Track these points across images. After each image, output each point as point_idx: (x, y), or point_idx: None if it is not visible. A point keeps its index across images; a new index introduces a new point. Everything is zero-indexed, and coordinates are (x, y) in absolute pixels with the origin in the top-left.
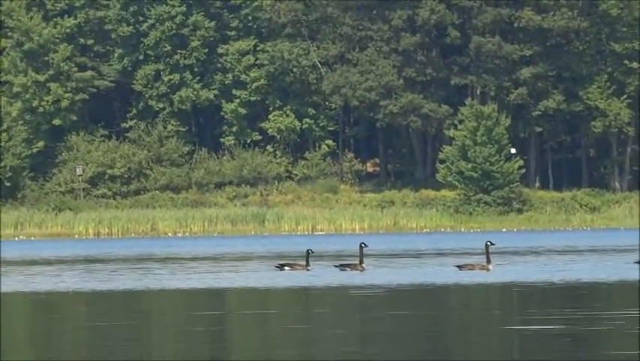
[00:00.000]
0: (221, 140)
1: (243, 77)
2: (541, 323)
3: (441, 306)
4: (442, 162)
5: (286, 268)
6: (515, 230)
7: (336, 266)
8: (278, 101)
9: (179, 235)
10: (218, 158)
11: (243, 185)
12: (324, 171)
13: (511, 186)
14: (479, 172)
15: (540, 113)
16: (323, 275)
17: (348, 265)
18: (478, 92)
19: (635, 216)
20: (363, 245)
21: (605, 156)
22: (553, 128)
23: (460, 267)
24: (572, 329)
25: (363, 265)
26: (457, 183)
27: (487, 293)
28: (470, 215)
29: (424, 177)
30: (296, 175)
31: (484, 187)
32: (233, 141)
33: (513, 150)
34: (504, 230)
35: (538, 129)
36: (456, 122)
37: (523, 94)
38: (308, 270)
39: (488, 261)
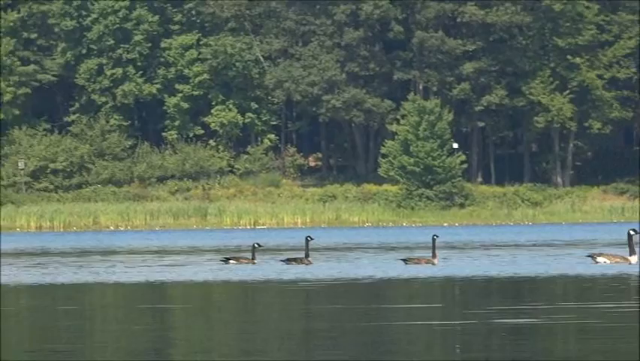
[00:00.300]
0: (164, 134)
1: (186, 71)
2: (484, 317)
3: (383, 300)
4: (384, 156)
5: (231, 261)
6: (457, 225)
7: (282, 260)
8: (220, 96)
9: (121, 228)
10: (160, 152)
11: (185, 179)
12: (266, 166)
13: (453, 180)
14: (421, 167)
15: (483, 108)
16: (269, 269)
17: (294, 259)
18: (420, 87)
19: (577, 211)
20: (309, 238)
21: (547, 151)
22: (496, 123)
23: (406, 261)
24: (514, 323)
25: (310, 258)
26: (399, 178)
27: (431, 287)
28: (412, 210)
29: (367, 171)
30: (238, 169)
31: (427, 182)
32: (175, 135)
33: (455, 145)
34: (446, 225)
35: (481, 124)
36: (398, 116)
37: (466, 89)
38: (254, 263)
39: (434, 255)
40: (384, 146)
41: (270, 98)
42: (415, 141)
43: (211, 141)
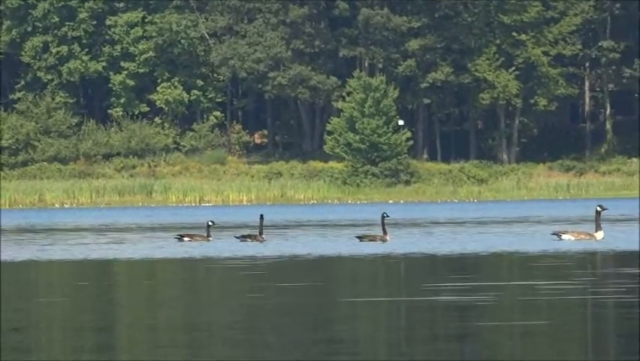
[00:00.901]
0: (110, 111)
1: (132, 49)
2: (431, 293)
3: (333, 277)
4: (329, 133)
5: (185, 238)
6: (402, 202)
7: (236, 237)
8: (166, 73)
9: (67, 206)
10: (106, 129)
11: (131, 156)
12: (211, 143)
13: (398, 157)
14: (367, 144)
15: (428, 85)
16: (223, 246)
17: (249, 236)
18: (366, 64)
19: (523, 188)
20: (262, 216)
21: (493, 128)
22: (442, 100)
23: (360, 238)
24: (460, 300)
25: (264, 236)
26: (344, 155)
27: (380, 264)
28: (358, 187)
29: (312, 148)
30: (184, 147)
31: (372, 159)
32: (121, 113)
33: (401, 122)
34: (391, 201)
35: (427, 101)
36: (344, 94)
37: (412, 66)
38: (209, 240)
39: (385, 232)
40: (329, 123)
41: (215, 75)
42: (361, 118)
43: (157, 119)
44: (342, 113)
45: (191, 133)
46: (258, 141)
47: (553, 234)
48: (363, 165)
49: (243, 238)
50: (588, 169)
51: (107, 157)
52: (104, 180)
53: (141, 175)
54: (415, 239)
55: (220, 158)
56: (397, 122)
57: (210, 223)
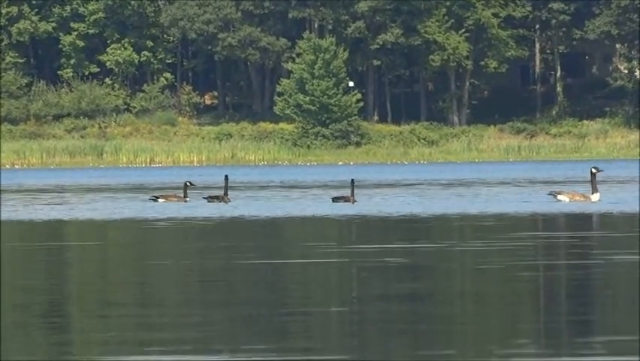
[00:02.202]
0: (60, 72)
1: (82, 9)
2: (381, 255)
3: (287, 237)
4: (279, 95)
5: (160, 200)
6: (352, 163)
7: (204, 198)
8: (116, 34)
9: (17, 167)
10: (56, 90)
11: (82, 117)
12: (162, 104)
13: (349, 119)
14: (317, 105)
15: (378, 46)
16: (197, 207)
17: (216, 197)
18: (316, 26)
19: (473, 150)
20: (227, 177)
21: (443, 90)
22: (392, 61)
23: (335, 199)
24: (411, 262)
25: (229, 196)
26: (295, 116)
27: (341, 225)
28: (308, 148)
29: (262, 110)
30: (134, 108)
31: (323, 120)
32: (71, 74)
33: (351, 84)
34: (340, 163)
35: (377, 63)
36: (294, 55)
37: (361, 27)
38: (186, 202)
39: (352, 194)
40: (279, 84)
41: (165, 36)
42: (311, 79)
43: (107, 80)
44: (292, 75)
45: (141, 94)
46: (208, 102)
47: (550, 194)
48: (313, 127)
49: (210, 198)
50: (539, 131)
51: (58, 118)
52: (55, 141)
53: (92, 136)
54: (383, 201)
55: (170, 119)
56: (347, 84)
57: (189, 184)
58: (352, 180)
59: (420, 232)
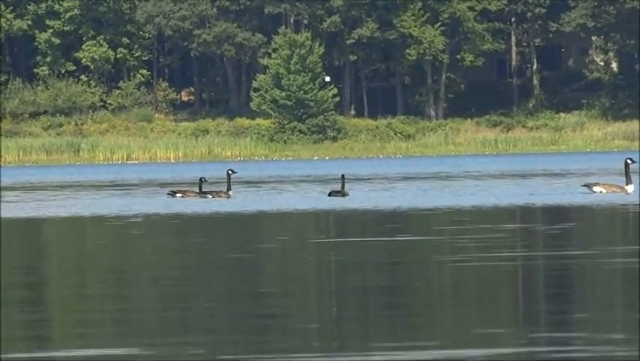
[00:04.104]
0: (36, 70)
1: (57, 6)
2: (359, 249)
3: (273, 232)
4: (256, 90)
5: (178, 195)
6: (327, 158)
7: (197, 193)
8: (91, 31)
9: None
10: (32, 88)
11: (58, 115)
12: (138, 101)
13: (325, 114)
14: (293, 100)
15: (354, 41)
16: (216, 202)
17: (215, 192)
18: (291, 21)
19: (450, 144)
20: (230, 172)
21: (420, 83)
22: (368, 56)
23: (332, 193)
24: (390, 257)
25: (230, 192)
26: (271, 112)
27: (328, 219)
28: (285, 143)
29: (239, 105)
30: (110, 105)
31: (299, 115)
32: (47, 71)
33: (327, 78)
34: (316, 158)
35: (353, 57)
36: (270, 50)
37: (337, 22)
38: (200, 197)
39: (343, 187)
40: (255, 80)
41: (141, 33)
42: (287, 74)
43: (83, 77)
44: (268, 70)
45: (117, 91)
46: (184, 98)
47: (585, 185)
48: (289, 122)
49: (204, 194)
50: (515, 124)
51: (34, 116)
52: (31, 139)
53: (68, 133)
54: (374, 194)
55: (147, 116)
56: (324, 79)
57: (204, 180)
58: (343, 175)
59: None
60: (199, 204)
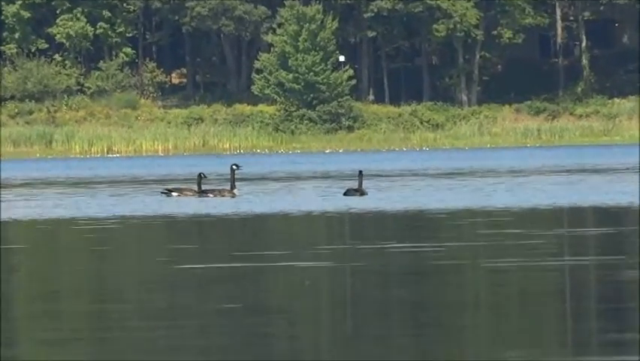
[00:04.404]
0: (2, 48)
1: None
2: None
3: (278, 236)
4: (258, 72)
5: (174, 193)
6: (341, 151)
7: (196, 191)
8: (67, 3)
9: None
10: None
11: (27, 100)
12: (121, 84)
13: (339, 99)
14: (302, 84)
15: (373, 14)
16: (219, 203)
17: (217, 191)
18: None
19: (485, 134)
20: (235, 167)
21: (450, 64)
22: (389, 32)
23: (347, 192)
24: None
25: (235, 190)
26: (276, 97)
27: (335, 221)
28: (292, 134)
29: (238, 89)
30: (88, 88)
31: (308, 101)
32: (15, 50)
33: (342, 58)
34: (328, 151)
35: (371, 33)
36: (274, 25)
37: None
38: (200, 196)
39: (360, 185)
40: (258, 60)
41: (125, 5)
42: (295, 53)
43: (57, 56)
44: (272, 49)
45: (97, 73)
46: (175, 81)
47: None
48: (297, 109)
49: (204, 193)
50: (562, 111)
51: (0, 101)
52: None
53: (39, 122)
54: (396, 193)
55: (131, 101)
56: (337, 59)
57: (203, 176)
58: (361, 171)
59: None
60: (197, 205)
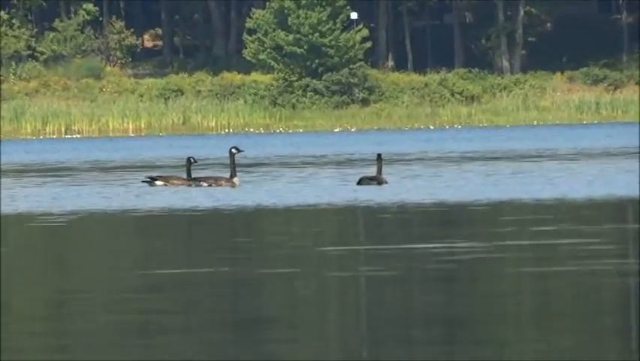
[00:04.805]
0: None
1: None
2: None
3: (268, 236)
4: (251, 32)
5: (158, 182)
6: (353, 130)
7: (185, 180)
8: None
9: None
10: None
11: None
12: (82, 48)
13: (351, 66)
14: (305, 47)
15: None
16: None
17: (213, 179)
18: None
19: (532, 109)
20: (234, 151)
21: (488, 22)
22: None
23: (360, 181)
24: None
25: (235, 179)
26: (273, 63)
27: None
28: (293, 109)
29: (226, 54)
30: (42, 54)
31: (313, 68)
32: None
33: (354, 15)
34: (338, 130)
35: None
36: None
37: None
38: (190, 185)
39: (380, 172)
40: (251, 17)
41: None
42: (296, 9)
43: (2, 13)
44: (268, 4)
45: (51, 34)
46: (148, 44)
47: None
48: (300, 78)
49: (198, 181)
50: (626, 80)
51: None
52: None
53: None
54: (419, 182)
55: (94, 69)
56: (349, 15)
57: (193, 161)
58: (380, 154)
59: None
60: (186, 196)
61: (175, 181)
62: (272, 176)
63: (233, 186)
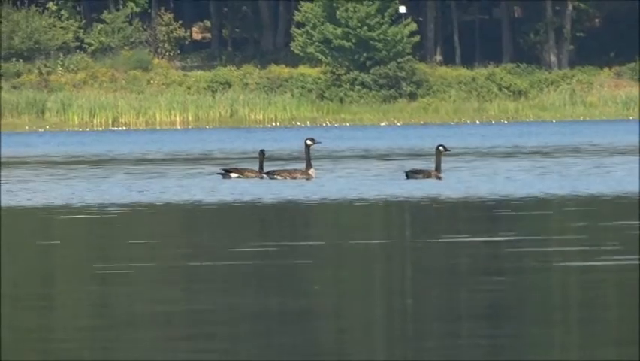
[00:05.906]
0: None
1: None
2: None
3: (322, 223)
4: (299, 25)
5: (232, 174)
6: (401, 124)
7: (258, 172)
8: None
9: None
10: None
11: (14, 60)
12: (130, 40)
13: (399, 60)
14: (353, 40)
15: None
16: (268, 185)
17: (287, 172)
18: None
19: (579, 104)
20: (310, 142)
21: (536, 16)
22: None
23: (408, 174)
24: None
25: (311, 171)
26: (321, 57)
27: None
28: (341, 102)
29: (275, 47)
30: (90, 45)
31: (361, 62)
32: None
33: (403, 9)
34: (384, 124)
35: None
36: None
37: None
38: (262, 178)
39: (439, 169)
40: (299, 11)
41: None
42: (344, 3)
43: (51, 4)
44: None
45: (100, 26)
46: (196, 37)
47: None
48: (347, 72)
49: (271, 174)
50: None
51: None
52: None
53: (29, 87)
54: (468, 175)
55: (142, 61)
56: (397, 9)
57: (264, 154)
58: (439, 146)
59: None
60: (260, 189)
61: (249, 174)
62: (339, 168)
63: (308, 178)
